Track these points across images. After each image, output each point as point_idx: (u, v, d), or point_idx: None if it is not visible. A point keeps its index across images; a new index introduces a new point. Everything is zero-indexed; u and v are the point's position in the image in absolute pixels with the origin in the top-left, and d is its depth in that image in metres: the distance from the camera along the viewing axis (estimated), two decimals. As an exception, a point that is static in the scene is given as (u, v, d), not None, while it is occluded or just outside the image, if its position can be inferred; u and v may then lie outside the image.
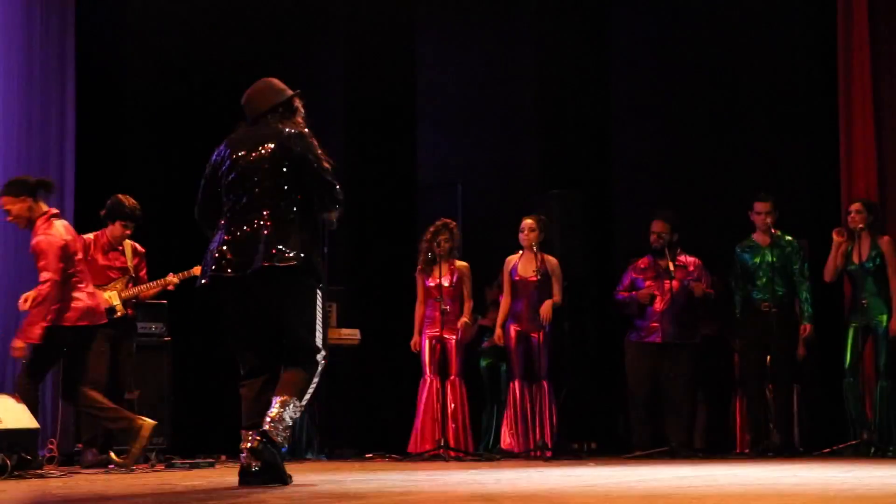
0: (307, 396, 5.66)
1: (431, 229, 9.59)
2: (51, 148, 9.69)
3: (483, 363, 10.53)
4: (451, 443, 9.24)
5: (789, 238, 9.53)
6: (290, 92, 5.90)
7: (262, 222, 5.60)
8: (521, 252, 9.61)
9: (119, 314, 8.29)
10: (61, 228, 7.36)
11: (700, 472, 6.79)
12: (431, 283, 9.56)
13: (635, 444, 9.53)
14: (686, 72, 11.28)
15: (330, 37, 11.64)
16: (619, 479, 6.13)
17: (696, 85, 11.21)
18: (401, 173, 11.61)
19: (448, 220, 9.66)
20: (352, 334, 10.14)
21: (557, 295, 9.51)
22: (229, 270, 5.59)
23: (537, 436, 9.34)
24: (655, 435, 9.57)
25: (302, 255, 5.57)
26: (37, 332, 7.16)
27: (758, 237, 9.57)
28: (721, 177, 10.87)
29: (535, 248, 9.44)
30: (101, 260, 8.36)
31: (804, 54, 10.85)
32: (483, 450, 9.88)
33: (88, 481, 6.39)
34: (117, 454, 7.46)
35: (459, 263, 9.62)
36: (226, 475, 6.45)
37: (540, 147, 11.70)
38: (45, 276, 7.20)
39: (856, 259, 9.18)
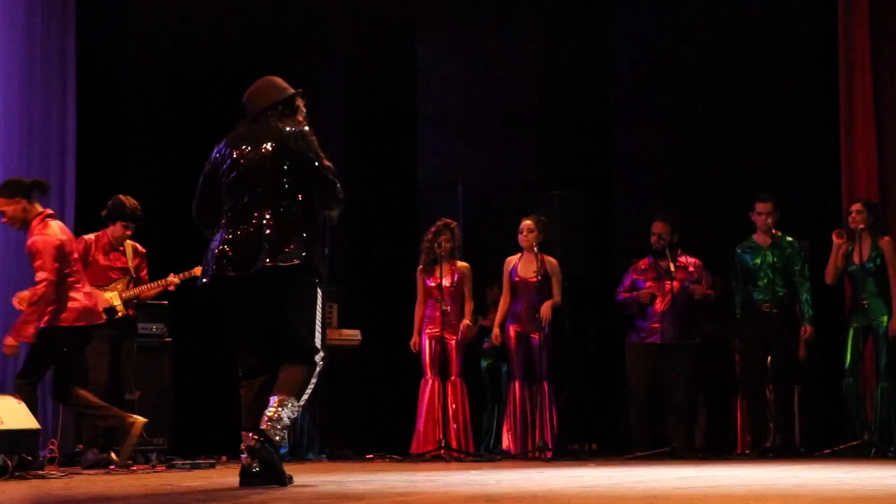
0: (305, 396, 5.65)
1: (432, 230, 9.59)
2: (51, 148, 9.69)
3: (484, 364, 10.53)
4: (453, 443, 9.24)
5: (790, 239, 9.53)
6: (291, 90, 5.89)
7: (263, 221, 5.59)
8: (521, 253, 9.60)
9: (120, 314, 8.29)
10: (56, 229, 7.37)
11: (701, 472, 6.79)
12: (432, 283, 9.56)
13: (636, 444, 9.53)
14: (686, 72, 11.28)
15: (330, 37, 11.64)
16: (620, 479, 6.13)
17: (696, 85, 11.21)
18: (401, 174, 11.62)
19: (449, 221, 9.66)
20: (352, 335, 10.14)
21: (557, 295, 9.51)
22: (231, 270, 5.59)
23: (537, 437, 9.33)
24: (656, 436, 9.56)
25: (304, 254, 5.57)
26: (30, 331, 7.17)
27: (759, 238, 9.57)
28: (722, 177, 10.87)
29: (535, 249, 9.44)
30: (102, 260, 8.36)
31: (805, 54, 10.85)
32: (484, 450, 9.88)
33: (89, 482, 6.39)
34: (118, 454, 7.47)
35: (460, 264, 9.62)
36: (227, 476, 6.44)
37: (540, 147, 11.70)
38: (40, 275, 7.21)
39: (856, 259, 9.18)
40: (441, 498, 4.91)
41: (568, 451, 9.49)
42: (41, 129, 9.65)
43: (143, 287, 8.44)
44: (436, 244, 9.53)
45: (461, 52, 11.99)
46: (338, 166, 5.83)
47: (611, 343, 10.67)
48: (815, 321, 9.40)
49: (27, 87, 9.62)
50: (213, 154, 5.82)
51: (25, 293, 7.42)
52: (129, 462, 7.61)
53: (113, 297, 8.29)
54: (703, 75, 11.18)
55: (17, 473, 6.62)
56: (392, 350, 10.34)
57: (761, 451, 9.26)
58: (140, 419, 7.42)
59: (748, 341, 9.60)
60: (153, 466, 7.67)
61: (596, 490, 5.34)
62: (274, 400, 5.48)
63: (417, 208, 11.54)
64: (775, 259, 9.40)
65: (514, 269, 9.61)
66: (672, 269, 9.47)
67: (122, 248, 8.46)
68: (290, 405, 5.49)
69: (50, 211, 7.50)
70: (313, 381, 5.66)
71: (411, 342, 9.64)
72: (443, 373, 9.49)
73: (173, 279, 8.46)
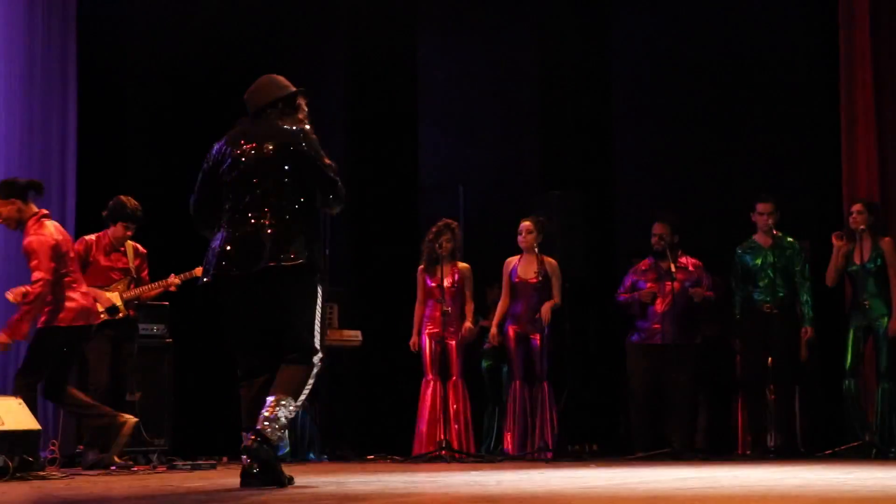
0: (303, 396, 5.64)
1: (433, 230, 9.60)
2: (52, 148, 9.69)
3: (484, 364, 10.53)
4: (454, 444, 9.24)
5: (791, 239, 9.53)
6: (293, 88, 5.88)
7: (264, 221, 5.59)
8: (520, 254, 9.60)
9: (121, 314, 8.29)
10: (52, 229, 7.37)
11: (701, 473, 6.79)
12: (433, 284, 9.56)
13: (636, 445, 9.53)
14: (686, 72, 11.27)
15: (331, 37, 11.64)
16: (621, 480, 6.13)
17: (696, 85, 11.20)
18: (402, 174, 11.61)
19: (450, 221, 9.66)
20: (353, 336, 10.14)
21: (557, 296, 9.51)
22: (233, 269, 5.59)
23: (538, 437, 9.33)
24: (657, 436, 9.56)
25: (306, 254, 5.57)
26: (24, 329, 7.18)
27: (759, 238, 9.57)
28: (722, 177, 10.86)
29: (535, 250, 9.44)
30: (102, 261, 8.35)
31: (805, 54, 10.85)
32: (485, 451, 9.88)
33: (90, 482, 6.39)
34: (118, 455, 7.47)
35: (461, 265, 9.62)
36: (227, 477, 6.45)
37: (540, 147, 11.69)
38: (36, 275, 7.21)
39: (857, 260, 9.19)
40: (442, 499, 4.91)
41: (568, 451, 9.49)
42: (42, 130, 9.65)
43: (144, 288, 8.44)
44: (437, 244, 9.53)
45: (461, 52, 11.99)
46: (338, 166, 5.83)
47: (611, 344, 10.67)
48: (815, 322, 9.40)
49: (28, 87, 9.62)
50: (213, 151, 5.80)
51: (21, 289, 7.41)
52: (130, 463, 7.61)
53: (114, 297, 8.29)
54: (703, 75, 11.17)
55: (17, 474, 6.62)
56: (393, 350, 10.34)
57: (761, 452, 9.25)
58: (131, 419, 7.41)
59: (749, 342, 9.60)
60: (154, 467, 7.68)
61: (596, 491, 5.34)
62: (271, 399, 5.47)
63: (418, 208, 11.54)
64: (776, 259, 9.40)
65: (514, 269, 9.61)
66: (673, 269, 9.47)
67: (122, 249, 8.45)
68: (287, 405, 5.48)
69: (45, 211, 7.50)
70: (311, 381, 5.65)
71: (410, 342, 9.64)
72: (443, 373, 9.49)
73: (174, 280, 8.46)
